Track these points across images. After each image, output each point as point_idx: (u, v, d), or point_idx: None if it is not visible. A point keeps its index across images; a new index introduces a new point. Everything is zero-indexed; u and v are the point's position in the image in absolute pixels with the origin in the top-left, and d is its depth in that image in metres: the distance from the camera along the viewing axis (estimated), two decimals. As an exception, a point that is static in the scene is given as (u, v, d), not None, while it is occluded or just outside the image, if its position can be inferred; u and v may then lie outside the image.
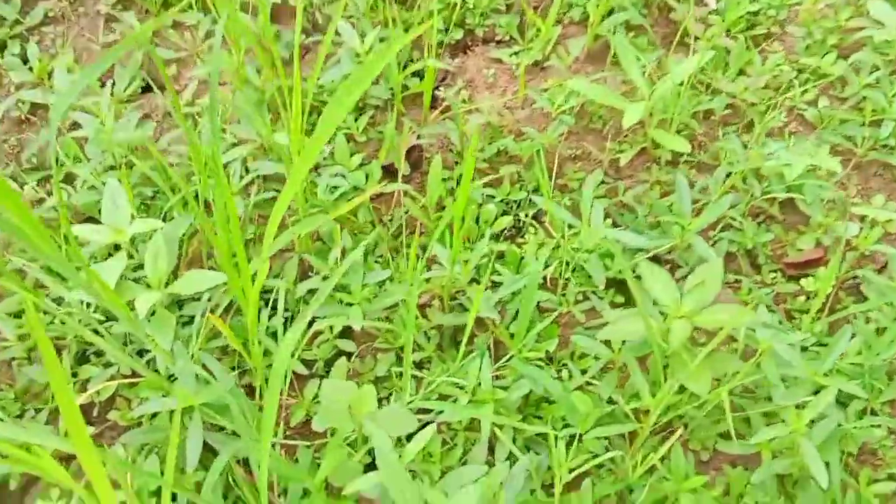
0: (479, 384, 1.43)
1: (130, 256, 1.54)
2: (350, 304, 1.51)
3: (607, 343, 1.50)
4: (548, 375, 1.42)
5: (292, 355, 1.49)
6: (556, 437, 1.30)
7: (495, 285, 1.60)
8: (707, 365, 1.31)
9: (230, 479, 1.39)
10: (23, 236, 1.02)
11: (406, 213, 1.73)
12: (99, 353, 1.56)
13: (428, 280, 1.56)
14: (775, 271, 1.70)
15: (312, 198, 1.63)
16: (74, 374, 1.52)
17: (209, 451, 1.35)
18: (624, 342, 1.51)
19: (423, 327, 1.56)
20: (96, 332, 1.43)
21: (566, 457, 1.31)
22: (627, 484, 1.37)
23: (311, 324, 1.38)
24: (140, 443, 1.39)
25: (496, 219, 1.72)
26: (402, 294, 1.50)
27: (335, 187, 1.64)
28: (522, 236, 1.73)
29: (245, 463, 1.42)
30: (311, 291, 1.55)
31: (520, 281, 1.52)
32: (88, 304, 1.52)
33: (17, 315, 1.60)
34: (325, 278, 1.55)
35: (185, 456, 1.32)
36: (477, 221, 1.72)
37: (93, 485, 0.94)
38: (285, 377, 1.36)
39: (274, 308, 1.52)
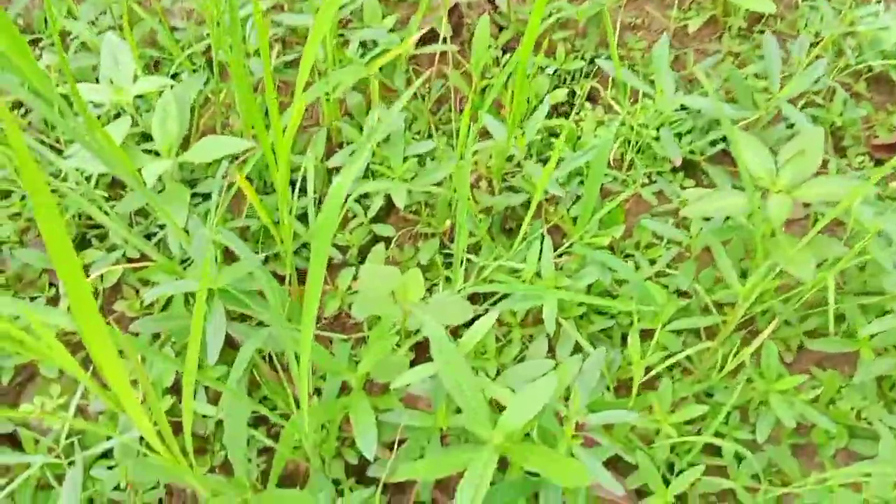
0: (538, 273, 1.24)
1: (135, 124, 1.33)
2: (391, 179, 1.31)
3: (680, 228, 1.32)
4: (618, 260, 1.23)
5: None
6: (637, 319, 1.12)
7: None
8: (808, 248, 1.13)
9: (254, 375, 1.22)
10: (28, 83, 0.83)
11: (443, 85, 1.52)
12: (101, 237, 1.38)
13: (475, 153, 1.36)
14: (862, 154, 1.51)
15: (342, 59, 1.41)
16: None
17: (227, 346, 1.17)
18: (700, 228, 1.33)
19: (470, 211, 1.37)
20: (99, 209, 1.24)
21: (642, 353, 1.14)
22: (709, 384, 1.20)
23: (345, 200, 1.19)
24: (151, 332, 1.21)
25: (548, 92, 1.51)
26: (449, 169, 1.31)
27: (370, 43, 1.42)
28: (577, 113, 1.53)
29: (270, 359, 1.25)
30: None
31: (582, 156, 1.32)
32: (88, 179, 1.33)
33: (6, 195, 1.41)
34: (352, 154, 1.34)
35: (204, 349, 1.14)
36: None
37: (102, 373, 0.76)
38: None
39: (303, 191, 1.31)
